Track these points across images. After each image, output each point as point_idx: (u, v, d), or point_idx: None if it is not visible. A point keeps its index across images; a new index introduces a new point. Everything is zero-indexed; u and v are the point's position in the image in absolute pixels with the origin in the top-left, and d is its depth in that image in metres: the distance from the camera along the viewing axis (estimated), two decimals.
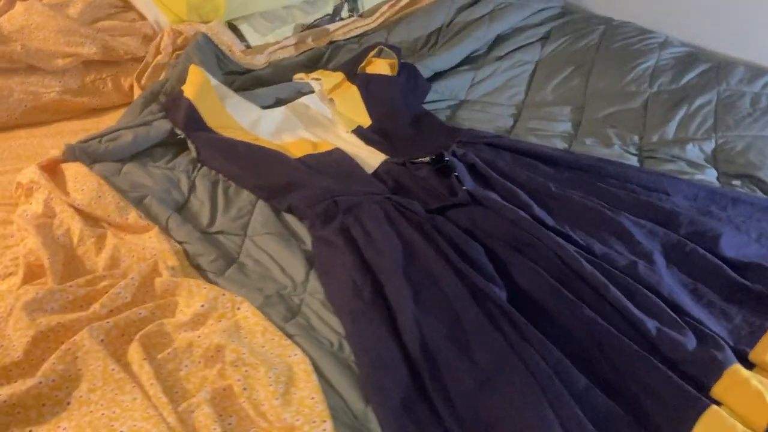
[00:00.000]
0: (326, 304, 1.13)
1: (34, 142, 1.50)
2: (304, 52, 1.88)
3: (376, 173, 1.46)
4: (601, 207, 1.28)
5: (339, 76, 1.75)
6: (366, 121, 1.65)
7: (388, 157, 1.51)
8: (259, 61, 1.79)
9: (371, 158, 1.51)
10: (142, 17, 1.73)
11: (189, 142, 1.45)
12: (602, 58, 1.80)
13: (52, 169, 1.33)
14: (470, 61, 1.91)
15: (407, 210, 1.27)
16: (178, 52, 1.70)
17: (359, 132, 1.59)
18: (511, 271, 1.14)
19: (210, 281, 1.16)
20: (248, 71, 1.79)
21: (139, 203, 1.30)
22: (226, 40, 1.74)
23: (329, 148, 1.52)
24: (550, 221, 1.26)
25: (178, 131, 1.46)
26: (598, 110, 1.68)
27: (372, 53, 1.79)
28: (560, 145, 1.61)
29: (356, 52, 1.90)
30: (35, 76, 1.55)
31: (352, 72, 1.78)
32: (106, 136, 1.42)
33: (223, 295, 1.08)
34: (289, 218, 1.34)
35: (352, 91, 1.71)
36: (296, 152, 1.50)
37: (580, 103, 1.73)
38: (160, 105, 1.53)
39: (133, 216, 1.24)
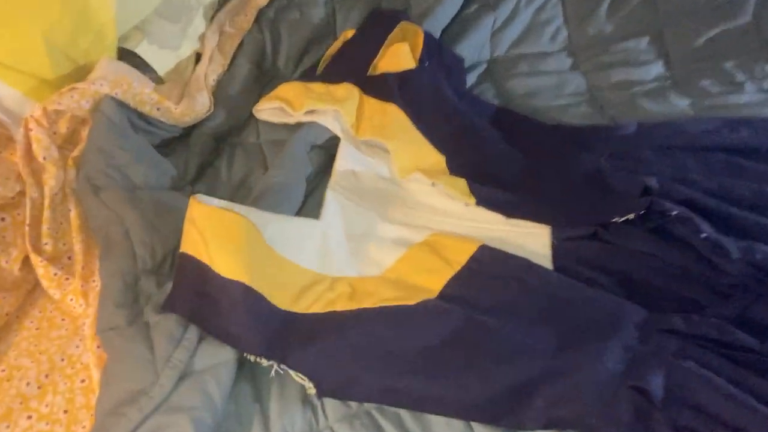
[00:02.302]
0: None
1: None
2: (236, 54, 1.09)
3: (558, 266, 0.89)
4: None
5: (351, 90, 1.03)
6: (437, 160, 1.01)
7: (550, 229, 0.93)
8: (203, 106, 0.98)
9: (527, 241, 0.92)
10: None
11: (293, 374, 0.72)
12: None
13: None
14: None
15: (744, 353, 0.76)
16: (75, 156, 0.84)
17: (484, 199, 0.95)
18: None
19: None
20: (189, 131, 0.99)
21: None
22: (146, 93, 0.90)
23: (469, 248, 0.88)
24: None
25: (264, 362, 0.71)
26: (688, 37, 1.23)
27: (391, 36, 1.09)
28: (680, 102, 1.15)
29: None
30: None
31: (362, 73, 1.07)
32: None
33: None
34: None
35: (393, 117, 1.02)
36: (424, 281, 0.85)
37: (656, 29, 1.26)
38: (180, 312, 0.72)
39: None
